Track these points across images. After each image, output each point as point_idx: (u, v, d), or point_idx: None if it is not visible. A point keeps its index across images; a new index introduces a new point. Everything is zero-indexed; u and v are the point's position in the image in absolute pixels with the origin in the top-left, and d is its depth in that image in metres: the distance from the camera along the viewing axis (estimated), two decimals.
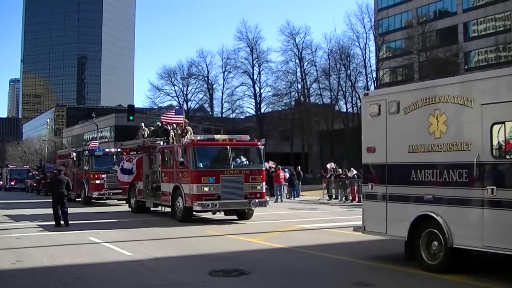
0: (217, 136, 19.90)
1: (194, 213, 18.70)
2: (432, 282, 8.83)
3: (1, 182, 60.84)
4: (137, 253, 11.99)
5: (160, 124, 24.35)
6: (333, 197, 32.00)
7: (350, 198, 30.17)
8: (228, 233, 15.57)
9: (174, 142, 21.33)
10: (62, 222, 17.77)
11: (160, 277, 9.40)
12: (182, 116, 24.47)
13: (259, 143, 19.54)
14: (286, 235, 15.55)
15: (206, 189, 17.81)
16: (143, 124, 25.63)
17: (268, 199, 19.63)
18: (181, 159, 18.50)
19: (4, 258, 11.58)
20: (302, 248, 12.76)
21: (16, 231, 16.51)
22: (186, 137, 20.93)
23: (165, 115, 25.79)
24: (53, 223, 17.81)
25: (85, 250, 12.76)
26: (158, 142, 21.81)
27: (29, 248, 13.03)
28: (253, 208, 18.70)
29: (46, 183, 39.26)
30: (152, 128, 24.99)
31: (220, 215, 19.52)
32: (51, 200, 18.60)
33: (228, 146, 18.58)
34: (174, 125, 23.29)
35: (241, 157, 18.81)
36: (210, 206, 17.79)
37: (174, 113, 25.41)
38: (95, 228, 17.04)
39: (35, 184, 47.44)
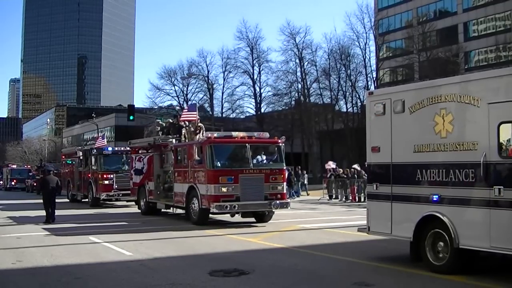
0: (234, 133, 18.93)
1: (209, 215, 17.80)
2: (432, 282, 8.78)
3: (1, 182, 60.75)
4: (137, 253, 11.94)
5: (171, 121, 23.34)
6: (333, 197, 31.92)
7: (350, 198, 30.10)
8: (228, 233, 15.50)
9: (186, 140, 20.50)
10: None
11: (160, 277, 9.35)
12: (195, 112, 22.78)
13: (279, 141, 18.54)
14: (286, 235, 15.48)
15: (224, 189, 16.79)
16: (159, 121, 24.93)
17: (289, 200, 18.92)
18: (197, 158, 17.60)
19: (4, 258, 11.54)
20: (302, 248, 12.71)
21: (17, 231, 16.47)
22: (199, 134, 20.19)
23: (183, 113, 23.76)
24: (51, 222, 18.76)
25: (86, 250, 12.69)
26: (170, 140, 20.79)
27: (29, 248, 12.98)
28: (273, 210, 17.64)
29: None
30: (164, 124, 23.85)
31: (237, 217, 18.41)
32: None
33: (247, 144, 17.60)
34: (187, 122, 21.98)
35: (261, 155, 17.85)
36: (228, 208, 16.81)
37: (187, 110, 23.73)
38: (97, 228, 17.01)
39: (35, 184, 47.31)
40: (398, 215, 9.90)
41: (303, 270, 9.98)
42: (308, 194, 36.30)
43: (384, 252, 11.65)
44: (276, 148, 18.30)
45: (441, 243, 9.08)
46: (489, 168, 8.30)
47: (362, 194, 27.81)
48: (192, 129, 21.11)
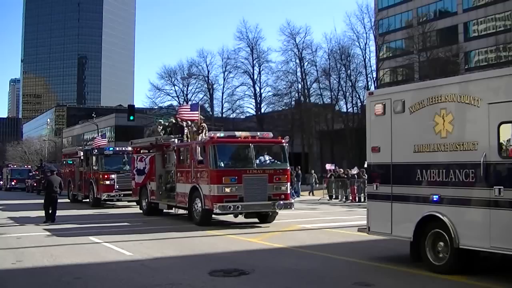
0: (238, 133, 18.69)
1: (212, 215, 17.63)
2: (432, 281, 8.80)
3: (1, 182, 60.73)
4: (137, 253, 11.94)
5: (174, 121, 23.10)
6: (334, 197, 31.93)
7: (350, 198, 30.11)
8: (229, 233, 15.50)
9: (189, 140, 20.36)
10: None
11: (160, 277, 9.35)
12: (197, 112, 22.44)
13: (283, 141, 18.37)
14: (286, 235, 15.49)
15: (227, 190, 16.61)
16: (161, 121, 24.84)
17: (293, 200, 18.78)
18: (200, 158, 17.45)
19: (4, 258, 11.54)
20: (302, 248, 12.72)
21: (17, 231, 16.47)
22: (202, 134, 20.04)
23: (180, 110, 23.38)
24: (50, 222, 18.87)
25: (86, 250, 12.69)
26: (172, 140, 20.50)
27: (29, 248, 12.98)
28: (277, 211, 17.49)
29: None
30: (166, 124, 23.52)
31: (239, 218, 18.23)
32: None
33: (250, 144, 17.48)
34: (189, 122, 21.75)
35: (264, 155, 17.68)
36: (232, 209, 16.63)
37: (189, 109, 23.08)
38: (98, 228, 17.00)
39: (35, 184, 47.32)
40: (398, 215, 9.91)
41: (303, 270, 9.98)
42: (309, 195, 36.29)
43: (384, 252, 11.65)
44: (279, 148, 18.20)
45: (441, 243, 9.09)
46: (489, 168, 8.31)
47: (362, 194, 27.82)
48: (195, 129, 20.95)
